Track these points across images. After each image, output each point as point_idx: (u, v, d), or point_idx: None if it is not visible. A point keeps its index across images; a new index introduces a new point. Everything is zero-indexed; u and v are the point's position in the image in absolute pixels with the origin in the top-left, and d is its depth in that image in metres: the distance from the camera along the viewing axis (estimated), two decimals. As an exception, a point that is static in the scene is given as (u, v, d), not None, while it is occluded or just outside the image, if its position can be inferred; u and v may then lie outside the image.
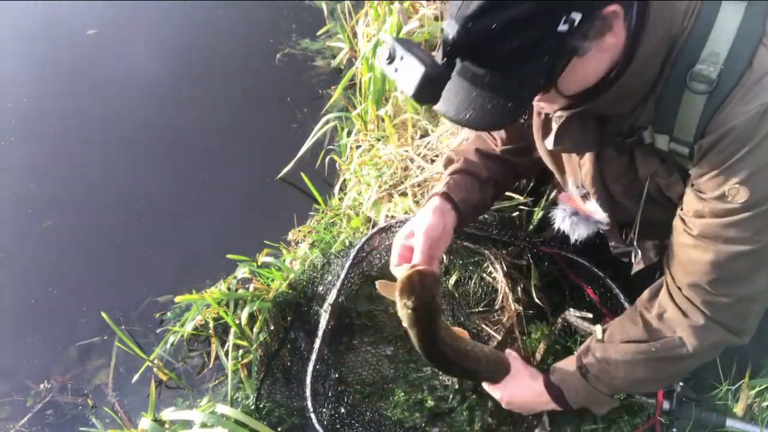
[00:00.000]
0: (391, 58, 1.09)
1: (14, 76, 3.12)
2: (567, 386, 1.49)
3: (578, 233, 1.55)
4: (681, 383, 1.62)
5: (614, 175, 1.36)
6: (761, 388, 1.65)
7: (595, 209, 1.46)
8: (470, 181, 1.65)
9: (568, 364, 1.51)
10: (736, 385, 1.65)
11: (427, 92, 1.05)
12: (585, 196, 1.47)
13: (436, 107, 1.11)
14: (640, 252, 1.53)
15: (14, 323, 2.35)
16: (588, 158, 1.37)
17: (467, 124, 1.13)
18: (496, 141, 1.70)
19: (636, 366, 1.39)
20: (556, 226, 1.58)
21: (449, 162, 1.74)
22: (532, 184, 2.07)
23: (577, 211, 1.53)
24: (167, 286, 2.37)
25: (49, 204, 2.65)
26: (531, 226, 1.93)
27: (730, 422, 1.59)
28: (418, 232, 1.45)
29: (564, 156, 1.46)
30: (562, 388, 1.49)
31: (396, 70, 1.08)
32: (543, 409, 1.59)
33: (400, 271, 1.35)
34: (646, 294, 1.43)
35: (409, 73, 1.04)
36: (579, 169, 1.41)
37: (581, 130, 1.27)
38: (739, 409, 1.65)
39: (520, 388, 1.56)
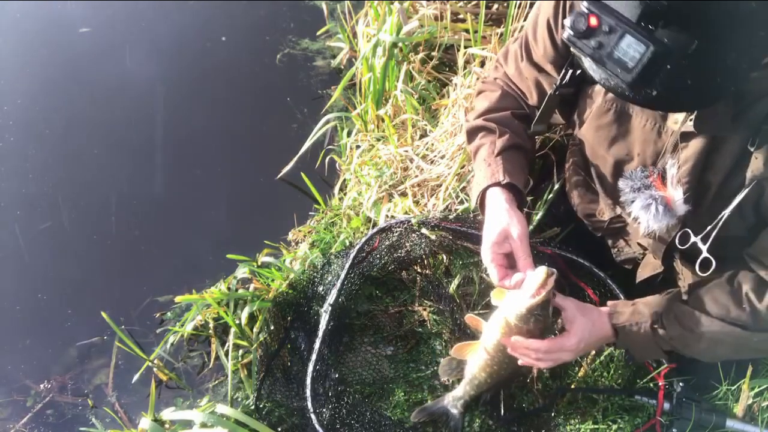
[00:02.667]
0: (590, 30, 0.91)
1: (8, 76, 3.11)
2: (626, 333, 1.43)
3: (654, 225, 1.33)
4: (681, 383, 1.62)
5: (720, 167, 1.24)
6: (761, 388, 1.65)
7: (679, 199, 1.31)
8: (522, 157, 1.55)
9: (639, 313, 1.43)
10: (736, 385, 1.65)
11: (648, 77, 0.89)
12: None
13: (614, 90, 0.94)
14: (714, 263, 1.31)
15: (15, 323, 2.35)
16: (697, 142, 1.24)
17: (663, 106, 0.99)
18: (527, 98, 1.58)
19: (722, 345, 1.34)
20: (633, 213, 1.36)
21: (485, 131, 1.58)
22: (531, 184, 2.06)
23: (665, 199, 1.32)
24: (167, 286, 2.37)
25: (47, 205, 2.64)
26: (531, 227, 1.93)
27: (730, 422, 1.59)
28: (514, 238, 1.38)
29: (644, 134, 1.33)
30: (619, 334, 1.43)
31: (599, 47, 0.91)
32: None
33: (513, 282, 1.37)
34: (752, 279, 1.33)
35: (624, 51, 0.88)
36: (672, 151, 1.28)
37: (724, 108, 1.13)
38: (739, 409, 1.65)
39: (594, 330, 1.44)
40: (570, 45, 1.01)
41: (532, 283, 1.34)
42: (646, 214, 1.33)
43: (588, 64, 1.06)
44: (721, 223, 1.27)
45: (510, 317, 1.40)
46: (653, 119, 1.33)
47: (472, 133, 1.63)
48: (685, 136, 1.27)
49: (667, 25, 0.89)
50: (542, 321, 1.38)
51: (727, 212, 1.24)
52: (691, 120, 1.23)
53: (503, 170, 1.48)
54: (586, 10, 0.93)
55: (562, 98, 1.48)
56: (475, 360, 1.56)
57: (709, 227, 1.30)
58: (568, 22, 0.97)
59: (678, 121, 1.27)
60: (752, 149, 1.17)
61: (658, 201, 1.32)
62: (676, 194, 1.31)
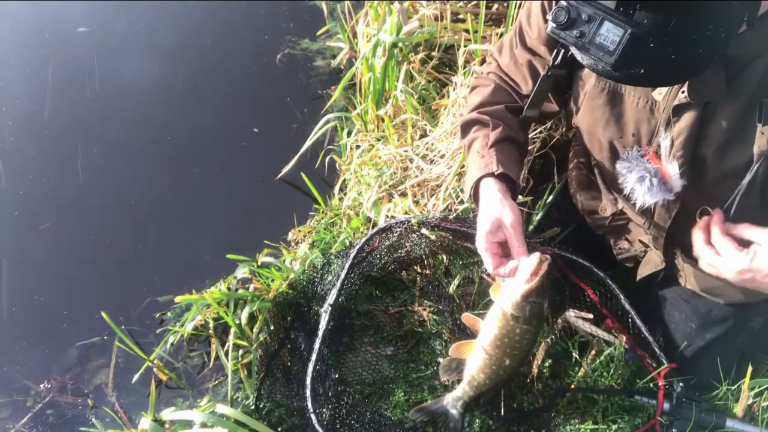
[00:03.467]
0: (571, 21, 0.99)
1: (6, 77, 3.11)
2: None
3: (650, 200, 1.34)
4: (681, 383, 1.62)
5: (717, 141, 1.24)
6: (761, 388, 1.65)
7: (675, 173, 1.31)
8: (516, 150, 1.57)
9: None
10: (736, 385, 1.65)
11: (631, 58, 0.95)
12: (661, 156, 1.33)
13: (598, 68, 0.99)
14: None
15: (14, 324, 2.35)
16: (689, 115, 1.25)
17: (653, 82, 1.04)
18: (521, 88, 1.59)
19: None
20: (628, 186, 1.37)
21: (479, 124, 1.60)
22: (531, 184, 2.07)
23: (659, 172, 1.33)
24: (167, 286, 2.37)
25: (46, 206, 2.64)
26: (531, 227, 1.93)
27: (730, 422, 1.59)
28: (507, 227, 1.39)
29: (637, 113, 1.33)
30: None
31: (580, 36, 0.98)
32: None
33: (507, 269, 1.38)
34: None
35: (605, 36, 0.95)
36: (665, 126, 1.29)
37: (714, 75, 1.15)
38: (739, 409, 1.65)
39: None
40: (554, 36, 1.06)
41: (525, 269, 1.35)
42: (640, 187, 1.34)
43: (574, 51, 1.11)
44: (736, 201, 1.25)
45: (506, 307, 1.41)
46: (645, 97, 1.33)
47: (465, 127, 1.64)
48: (677, 110, 1.27)
49: (644, 8, 0.94)
50: (538, 308, 1.39)
51: (743, 188, 1.22)
52: (683, 92, 1.23)
53: (496, 161, 1.49)
54: (565, 3, 0.99)
55: (555, 81, 1.48)
56: (473, 360, 1.56)
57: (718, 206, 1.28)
58: (550, 16, 1.03)
59: (662, 93, 1.28)
60: (760, 125, 1.17)
61: (652, 173, 1.32)
62: (671, 168, 1.31)
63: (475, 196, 1.55)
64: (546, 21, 1.44)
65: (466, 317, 1.57)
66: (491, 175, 1.49)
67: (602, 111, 1.41)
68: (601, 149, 1.50)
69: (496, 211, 1.42)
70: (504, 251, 1.44)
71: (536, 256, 1.35)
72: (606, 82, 1.38)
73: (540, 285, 1.35)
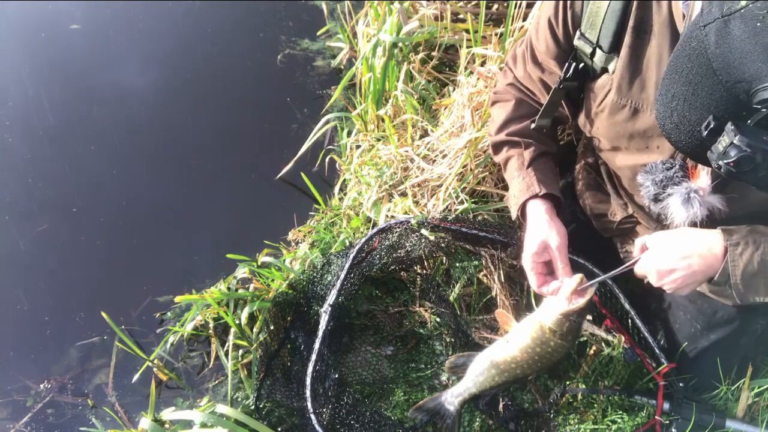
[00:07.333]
0: (756, 167, 0.95)
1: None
2: (739, 255, 1.25)
3: (692, 219, 1.31)
4: (681, 383, 1.62)
5: None
6: (761, 388, 1.65)
7: (708, 186, 1.29)
8: (551, 161, 1.64)
9: (759, 232, 1.27)
10: (736, 385, 1.65)
11: None
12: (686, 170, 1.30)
13: None
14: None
15: (15, 324, 2.35)
16: None
17: None
18: (539, 99, 1.63)
19: None
20: (671, 208, 1.32)
21: (509, 144, 1.66)
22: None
23: (700, 190, 1.30)
24: (167, 286, 2.37)
25: (45, 207, 2.64)
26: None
27: (730, 422, 1.60)
28: (553, 249, 1.48)
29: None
30: (729, 255, 1.25)
31: (765, 177, 0.97)
32: (698, 282, 1.33)
33: (550, 289, 1.48)
34: None
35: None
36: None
37: None
38: (739, 409, 1.65)
39: (692, 239, 1.30)
40: (729, 177, 1.02)
41: (567, 288, 1.43)
42: (687, 208, 1.30)
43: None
44: None
45: (545, 321, 1.46)
46: None
47: (497, 147, 1.71)
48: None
49: None
50: (576, 326, 1.46)
51: None
52: None
53: (537, 181, 1.57)
54: (749, 150, 0.95)
55: (567, 92, 1.53)
56: (488, 357, 1.57)
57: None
58: (727, 161, 0.98)
59: None
60: None
61: (699, 193, 1.30)
62: (707, 182, 1.29)
63: (522, 215, 1.62)
64: (554, 36, 1.47)
65: (500, 314, 1.61)
66: (536, 196, 1.56)
67: (624, 126, 1.42)
68: (620, 161, 1.52)
69: (543, 234, 1.50)
70: (548, 269, 1.52)
71: (578, 277, 1.43)
72: (628, 98, 1.38)
73: (584, 307, 1.42)
